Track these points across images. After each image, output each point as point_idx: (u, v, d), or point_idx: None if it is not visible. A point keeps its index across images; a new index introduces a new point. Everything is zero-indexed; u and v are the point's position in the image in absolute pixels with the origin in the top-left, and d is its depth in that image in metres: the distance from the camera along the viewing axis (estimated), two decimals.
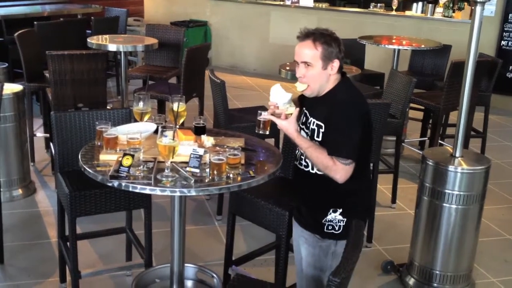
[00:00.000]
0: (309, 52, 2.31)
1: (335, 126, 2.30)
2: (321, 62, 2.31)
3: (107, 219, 3.44)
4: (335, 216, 2.40)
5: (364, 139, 2.34)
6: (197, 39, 8.80)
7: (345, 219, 2.40)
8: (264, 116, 2.43)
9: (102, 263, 3.52)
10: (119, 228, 3.44)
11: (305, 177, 2.44)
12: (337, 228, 2.41)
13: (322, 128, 2.33)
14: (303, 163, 2.43)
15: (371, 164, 3.72)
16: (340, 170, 2.28)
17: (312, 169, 2.40)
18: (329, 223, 2.40)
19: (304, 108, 2.47)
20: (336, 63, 2.33)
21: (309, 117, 2.41)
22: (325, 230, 2.41)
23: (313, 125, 2.38)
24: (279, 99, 2.38)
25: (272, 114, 2.38)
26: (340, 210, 2.39)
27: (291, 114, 2.35)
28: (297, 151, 2.49)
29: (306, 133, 2.42)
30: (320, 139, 2.34)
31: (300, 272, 2.58)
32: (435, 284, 3.33)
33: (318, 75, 2.33)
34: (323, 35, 2.32)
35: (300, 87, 2.37)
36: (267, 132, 2.48)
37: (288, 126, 2.33)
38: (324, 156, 2.28)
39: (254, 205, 2.93)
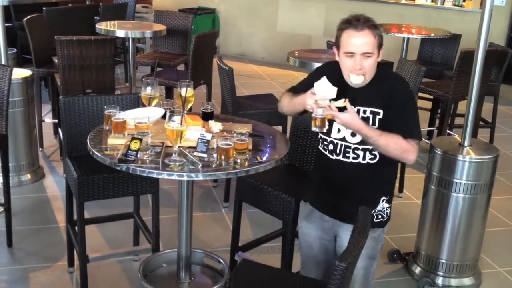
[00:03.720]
0: (369, 41, 2.25)
1: (402, 108, 2.28)
2: (377, 51, 2.28)
3: (114, 204, 3.45)
4: (383, 205, 2.40)
5: None
6: (205, 26, 8.77)
7: (390, 205, 2.44)
8: (321, 112, 2.23)
9: (109, 248, 3.55)
10: (126, 214, 3.46)
11: (351, 170, 2.36)
12: (385, 216, 2.43)
13: (379, 115, 2.28)
14: (351, 155, 2.34)
15: None
16: (415, 151, 2.27)
17: (363, 159, 2.33)
18: (379, 212, 2.40)
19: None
20: (382, 50, 2.31)
21: (355, 107, 2.30)
22: (374, 220, 2.40)
23: (364, 113, 2.30)
24: (328, 93, 2.25)
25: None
26: (387, 198, 2.42)
27: (343, 106, 2.21)
28: (329, 144, 2.39)
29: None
30: (376, 126, 2.29)
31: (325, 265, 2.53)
32: (441, 273, 3.33)
33: (374, 64, 2.29)
34: (374, 22, 2.29)
35: (356, 79, 2.27)
36: (325, 130, 2.30)
37: (352, 118, 2.21)
38: (402, 140, 2.24)
39: (261, 192, 2.93)
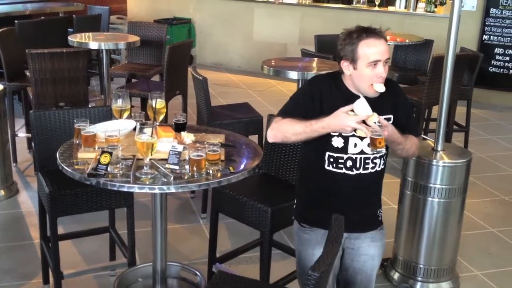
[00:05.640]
0: (387, 48, 2.25)
1: (407, 109, 2.42)
2: None
3: (90, 219, 3.40)
4: (381, 203, 2.46)
5: None
6: (181, 36, 8.75)
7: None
8: (378, 132, 2.15)
9: (85, 263, 3.49)
10: (102, 228, 3.41)
11: (369, 179, 2.34)
12: (382, 212, 2.47)
13: (390, 120, 2.30)
14: (370, 166, 2.30)
15: None
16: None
17: (379, 167, 2.33)
18: (380, 210, 2.46)
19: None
20: None
21: None
22: (379, 219, 2.46)
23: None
24: (369, 111, 2.17)
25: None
26: (381, 194, 2.48)
27: (378, 120, 2.17)
28: (346, 161, 2.28)
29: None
30: None
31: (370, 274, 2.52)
32: (419, 278, 3.34)
33: None
34: None
35: (381, 88, 2.21)
36: (384, 149, 2.24)
37: (393, 129, 2.22)
38: (416, 139, 2.40)
39: (237, 202, 2.92)
